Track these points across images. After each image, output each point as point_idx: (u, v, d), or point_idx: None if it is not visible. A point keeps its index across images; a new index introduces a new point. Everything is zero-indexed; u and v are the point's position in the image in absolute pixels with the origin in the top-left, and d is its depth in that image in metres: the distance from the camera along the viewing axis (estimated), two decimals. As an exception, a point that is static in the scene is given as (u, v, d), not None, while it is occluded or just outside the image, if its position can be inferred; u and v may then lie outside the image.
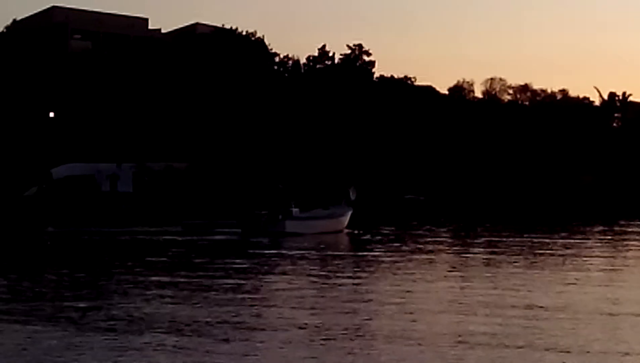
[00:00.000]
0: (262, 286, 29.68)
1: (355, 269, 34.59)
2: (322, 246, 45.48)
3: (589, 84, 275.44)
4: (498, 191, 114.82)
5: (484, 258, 38.37)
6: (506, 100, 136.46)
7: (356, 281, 30.96)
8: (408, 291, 27.38)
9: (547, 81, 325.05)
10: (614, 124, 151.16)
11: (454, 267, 34.98)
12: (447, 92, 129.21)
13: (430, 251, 42.06)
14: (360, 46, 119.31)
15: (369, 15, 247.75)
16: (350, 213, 56.62)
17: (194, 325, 21.52)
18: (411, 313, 23.48)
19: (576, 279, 31.29)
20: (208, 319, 22.41)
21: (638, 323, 22.45)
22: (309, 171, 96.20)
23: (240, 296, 26.77)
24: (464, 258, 38.21)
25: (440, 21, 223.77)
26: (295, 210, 53.58)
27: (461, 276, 31.97)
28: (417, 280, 30.67)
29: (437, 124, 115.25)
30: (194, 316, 22.79)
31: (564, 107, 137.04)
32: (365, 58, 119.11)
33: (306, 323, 21.77)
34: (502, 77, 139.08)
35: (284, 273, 33.45)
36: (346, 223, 56.10)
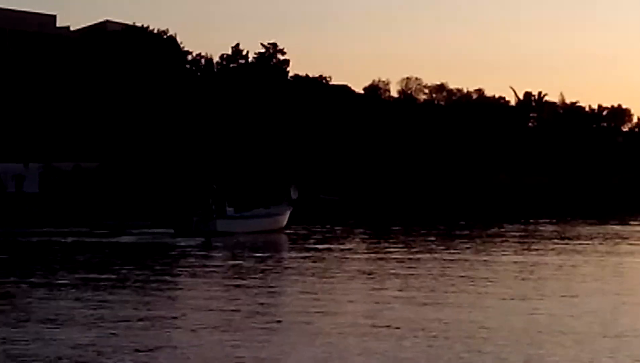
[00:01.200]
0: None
1: (258, 271, 34.51)
2: (246, 245, 45.52)
3: (505, 84, 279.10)
4: (414, 191, 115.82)
5: (397, 258, 38.69)
6: (422, 100, 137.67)
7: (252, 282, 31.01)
8: (315, 293, 27.52)
9: (463, 81, 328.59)
10: (530, 124, 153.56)
11: (368, 269, 35.27)
12: (362, 92, 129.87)
13: (344, 251, 42.23)
14: (274, 44, 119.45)
15: (283, 13, 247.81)
16: (289, 212, 57.52)
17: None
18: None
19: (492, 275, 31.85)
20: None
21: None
22: (249, 171, 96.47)
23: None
24: (377, 259, 38.44)
25: (355, 20, 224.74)
26: (229, 210, 54.29)
27: (374, 278, 32.26)
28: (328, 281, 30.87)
29: (352, 124, 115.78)
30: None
31: (479, 107, 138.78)
32: (280, 57, 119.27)
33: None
34: (418, 76, 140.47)
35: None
36: (285, 222, 56.86)
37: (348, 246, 43.62)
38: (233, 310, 22.63)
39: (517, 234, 51.19)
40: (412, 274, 30.14)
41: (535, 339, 17.95)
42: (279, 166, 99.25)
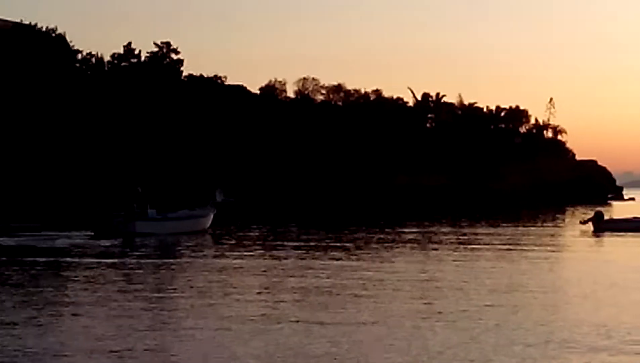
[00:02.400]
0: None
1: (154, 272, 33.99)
2: (164, 247, 45.28)
3: (403, 85, 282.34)
4: (312, 192, 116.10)
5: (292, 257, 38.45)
6: (319, 100, 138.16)
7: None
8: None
9: (360, 81, 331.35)
10: (428, 125, 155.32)
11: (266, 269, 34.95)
12: (258, 92, 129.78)
13: (245, 252, 41.90)
14: (168, 43, 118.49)
15: (177, 12, 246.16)
16: (213, 214, 58.83)
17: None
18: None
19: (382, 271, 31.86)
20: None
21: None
22: (174, 173, 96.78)
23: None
24: (274, 260, 38.15)
25: (251, 19, 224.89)
26: (151, 211, 55.04)
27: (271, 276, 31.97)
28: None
29: (248, 124, 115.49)
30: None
31: (377, 107, 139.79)
32: (174, 56, 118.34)
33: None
34: (315, 76, 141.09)
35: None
36: (208, 224, 58.10)
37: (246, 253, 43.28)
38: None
39: (386, 238, 51.25)
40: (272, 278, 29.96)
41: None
42: (189, 168, 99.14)
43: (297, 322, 20.16)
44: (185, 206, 60.69)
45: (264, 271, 31.85)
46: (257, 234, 54.79)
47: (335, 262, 35.01)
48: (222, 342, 17.75)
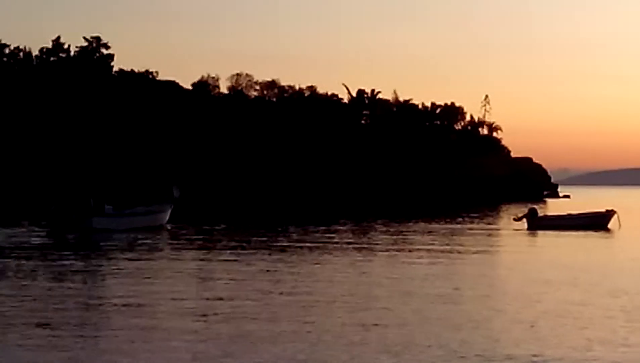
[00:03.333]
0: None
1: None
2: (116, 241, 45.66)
3: (338, 81, 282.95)
4: (246, 190, 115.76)
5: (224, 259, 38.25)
6: (253, 96, 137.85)
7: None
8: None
9: (295, 78, 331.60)
10: (363, 121, 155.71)
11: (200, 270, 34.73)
12: (191, 88, 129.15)
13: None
14: (98, 38, 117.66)
15: (108, 6, 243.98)
16: (170, 209, 60.45)
17: None
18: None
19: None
20: None
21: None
22: (128, 170, 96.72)
23: None
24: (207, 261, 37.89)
25: (184, 14, 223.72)
26: (108, 207, 56.45)
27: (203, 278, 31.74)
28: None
29: (180, 120, 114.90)
30: None
31: (312, 103, 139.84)
32: (104, 51, 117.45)
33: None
34: (249, 72, 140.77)
35: None
36: (165, 219, 59.76)
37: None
38: None
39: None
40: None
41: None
42: (125, 163, 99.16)
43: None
44: (141, 203, 61.53)
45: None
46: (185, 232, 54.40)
47: (250, 268, 34.85)
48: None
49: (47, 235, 49.97)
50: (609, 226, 62.22)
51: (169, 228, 57.30)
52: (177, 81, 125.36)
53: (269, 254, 37.86)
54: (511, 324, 19.90)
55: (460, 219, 76.29)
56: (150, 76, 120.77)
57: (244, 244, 43.92)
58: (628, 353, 16.78)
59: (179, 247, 42.28)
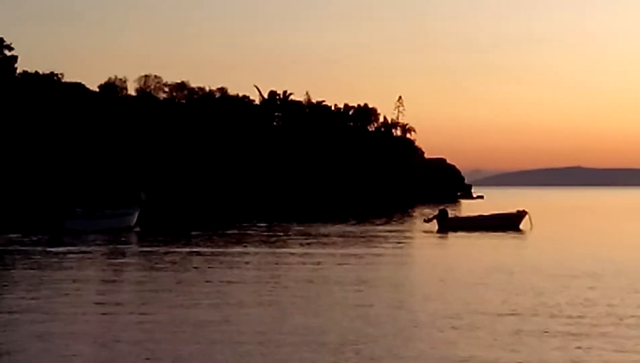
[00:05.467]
0: None
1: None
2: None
3: (249, 83, 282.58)
4: (157, 194, 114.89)
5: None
6: (162, 98, 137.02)
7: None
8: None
9: (205, 79, 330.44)
10: (275, 123, 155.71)
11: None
12: (98, 90, 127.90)
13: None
14: (1, 39, 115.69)
15: (10, 7, 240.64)
16: (137, 212, 64.27)
17: None
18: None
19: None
20: None
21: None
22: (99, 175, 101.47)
23: None
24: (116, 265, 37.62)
25: (89, 15, 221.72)
26: (78, 210, 60.57)
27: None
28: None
29: (87, 122, 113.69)
30: None
31: (223, 105, 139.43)
32: (7, 53, 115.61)
33: None
34: (158, 74, 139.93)
35: None
36: (133, 221, 63.34)
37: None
38: None
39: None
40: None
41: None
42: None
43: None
44: (110, 206, 65.00)
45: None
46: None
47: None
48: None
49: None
50: (521, 226, 63.15)
51: (137, 230, 60.32)
52: (83, 83, 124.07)
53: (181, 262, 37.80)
54: (410, 324, 20.17)
55: (372, 221, 76.71)
56: (56, 78, 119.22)
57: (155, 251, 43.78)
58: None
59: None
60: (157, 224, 68.84)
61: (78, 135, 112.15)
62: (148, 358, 16.59)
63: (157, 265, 34.96)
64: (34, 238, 50.50)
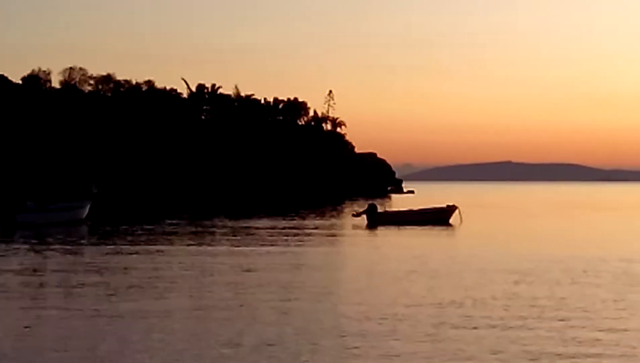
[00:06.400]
0: None
1: None
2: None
3: (177, 76, 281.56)
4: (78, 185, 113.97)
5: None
6: (87, 90, 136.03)
7: None
8: None
9: (131, 72, 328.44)
10: (203, 116, 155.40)
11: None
12: (20, 82, 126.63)
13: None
14: None
15: None
16: (89, 205, 64.77)
17: None
18: None
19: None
20: None
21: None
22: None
23: None
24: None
25: (12, 5, 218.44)
26: (30, 203, 60.60)
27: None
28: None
29: (9, 115, 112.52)
30: None
31: (150, 98, 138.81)
32: None
33: None
34: (83, 66, 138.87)
35: None
36: (85, 214, 63.93)
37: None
38: None
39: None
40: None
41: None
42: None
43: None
44: (61, 199, 65.08)
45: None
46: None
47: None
48: None
49: None
50: (451, 221, 63.75)
51: (89, 223, 60.67)
52: (5, 75, 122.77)
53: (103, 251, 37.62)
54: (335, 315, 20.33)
55: (301, 215, 76.84)
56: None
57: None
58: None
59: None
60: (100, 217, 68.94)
61: (3, 128, 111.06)
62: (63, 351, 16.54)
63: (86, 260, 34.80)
64: None
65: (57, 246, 41.63)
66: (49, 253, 38.70)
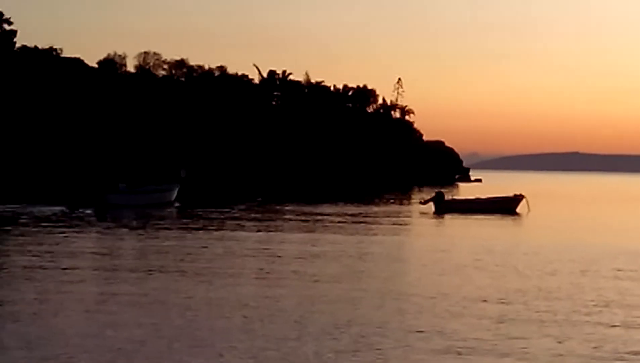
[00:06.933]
0: None
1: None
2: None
3: (249, 62, 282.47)
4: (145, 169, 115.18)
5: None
6: (161, 75, 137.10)
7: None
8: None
9: (204, 57, 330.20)
10: (274, 102, 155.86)
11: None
12: (96, 65, 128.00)
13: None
14: (0, 13, 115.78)
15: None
16: (177, 188, 68.08)
17: None
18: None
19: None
20: None
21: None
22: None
23: None
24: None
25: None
26: (122, 185, 63.61)
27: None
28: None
29: (85, 98, 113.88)
30: None
31: (222, 84, 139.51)
32: (6, 27, 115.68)
33: None
34: (157, 51, 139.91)
35: None
36: (173, 197, 67.06)
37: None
38: None
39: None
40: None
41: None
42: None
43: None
44: (151, 182, 68.35)
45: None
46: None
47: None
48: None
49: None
50: (518, 210, 63.54)
51: (177, 205, 63.99)
52: (82, 58, 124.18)
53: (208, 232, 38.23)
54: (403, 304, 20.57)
55: (370, 202, 77.08)
56: (55, 53, 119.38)
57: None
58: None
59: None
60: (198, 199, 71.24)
61: (89, 111, 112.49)
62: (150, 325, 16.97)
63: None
64: (79, 212, 53.54)
65: (140, 228, 43.14)
66: (132, 232, 40.29)
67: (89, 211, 54.50)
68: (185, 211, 58.42)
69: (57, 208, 55.58)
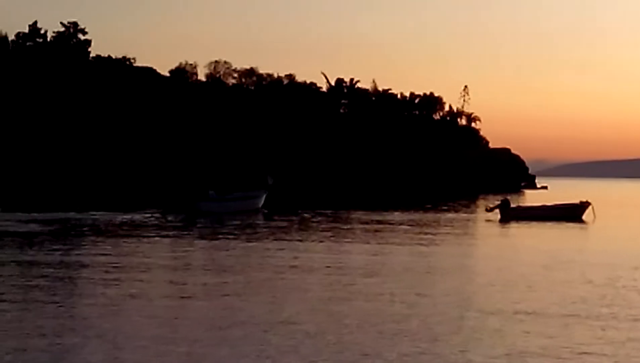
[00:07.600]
0: None
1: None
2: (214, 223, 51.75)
3: (317, 70, 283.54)
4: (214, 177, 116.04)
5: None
6: (231, 83, 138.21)
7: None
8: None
9: (273, 66, 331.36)
10: (342, 110, 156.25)
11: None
12: (168, 74, 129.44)
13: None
14: (75, 23, 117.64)
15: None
16: (264, 195, 69.10)
17: None
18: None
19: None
20: None
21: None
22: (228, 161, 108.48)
23: None
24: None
25: (161, 2, 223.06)
26: (211, 193, 65.03)
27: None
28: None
29: (158, 107, 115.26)
30: None
31: (290, 92, 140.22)
32: (81, 37, 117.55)
33: None
34: (227, 60, 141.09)
35: None
36: (261, 204, 68.16)
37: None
38: None
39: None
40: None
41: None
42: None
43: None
44: (239, 189, 70.59)
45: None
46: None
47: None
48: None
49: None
50: (584, 217, 63.09)
51: (265, 211, 65.01)
52: (154, 67, 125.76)
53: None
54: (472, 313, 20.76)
55: (436, 209, 77.06)
56: (128, 62, 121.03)
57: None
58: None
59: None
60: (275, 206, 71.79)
61: (164, 120, 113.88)
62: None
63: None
64: (171, 218, 55.91)
65: (230, 233, 44.21)
66: (221, 238, 41.14)
67: (180, 218, 56.15)
68: (272, 217, 59.79)
69: (149, 215, 57.47)
